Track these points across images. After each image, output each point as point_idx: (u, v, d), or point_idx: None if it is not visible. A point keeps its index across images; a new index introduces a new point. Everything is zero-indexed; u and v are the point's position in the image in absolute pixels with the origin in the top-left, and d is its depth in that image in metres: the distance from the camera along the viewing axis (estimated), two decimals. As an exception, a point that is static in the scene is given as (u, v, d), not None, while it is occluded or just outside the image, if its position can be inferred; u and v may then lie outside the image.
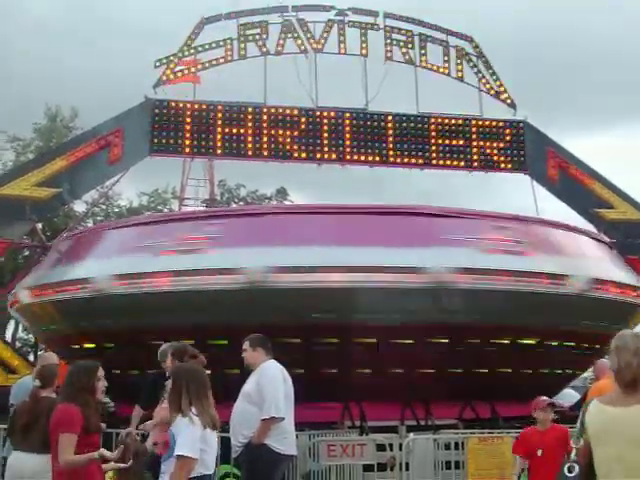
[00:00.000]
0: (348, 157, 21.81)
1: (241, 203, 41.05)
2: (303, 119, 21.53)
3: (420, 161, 22.27)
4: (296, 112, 21.58)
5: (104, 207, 37.47)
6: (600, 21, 63.45)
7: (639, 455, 4.00)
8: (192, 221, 17.10)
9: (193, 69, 21.57)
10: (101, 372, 6.48)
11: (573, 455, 4.30)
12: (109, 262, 15.81)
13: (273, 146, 21.32)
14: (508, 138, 22.75)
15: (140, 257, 15.37)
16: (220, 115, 21.13)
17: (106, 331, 15.77)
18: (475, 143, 22.49)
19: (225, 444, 8.77)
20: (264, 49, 21.51)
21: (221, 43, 21.63)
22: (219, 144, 21.12)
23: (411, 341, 14.81)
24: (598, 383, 11.44)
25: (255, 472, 8.16)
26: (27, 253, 29.02)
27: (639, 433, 4.01)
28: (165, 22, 57.84)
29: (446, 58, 22.74)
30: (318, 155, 21.64)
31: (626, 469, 4.00)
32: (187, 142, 21.00)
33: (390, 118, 22.08)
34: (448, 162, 22.47)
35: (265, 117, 21.31)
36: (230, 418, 8.34)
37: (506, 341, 15.68)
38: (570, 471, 4.26)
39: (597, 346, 17.11)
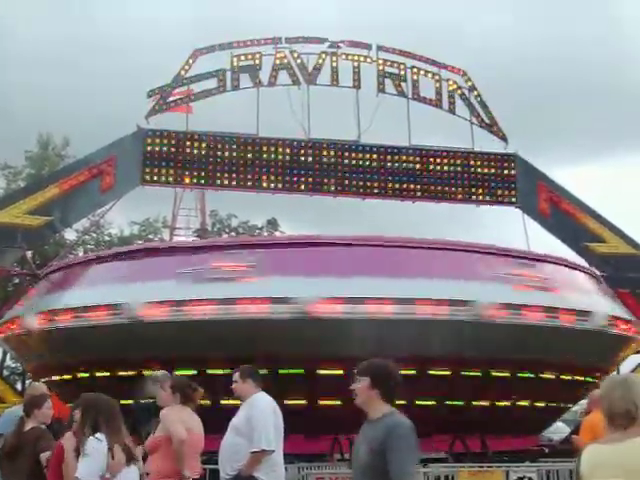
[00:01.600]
0: (340, 188, 21.85)
1: (232, 233, 41.02)
2: (295, 150, 21.58)
3: (412, 193, 22.31)
4: (288, 143, 21.63)
5: (95, 235, 37.43)
6: (589, 52, 64.13)
7: None
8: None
9: (186, 99, 21.62)
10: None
11: None
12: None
13: (265, 177, 21.35)
14: (499, 171, 22.82)
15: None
16: (212, 145, 21.16)
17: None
18: (466, 176, 22.56)
19: (213, 476, 8.71)
20: (257, 80, 21.59)
21: (214, 74, 21.71)
22: (211, 174, 21.13)
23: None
24: (590, 417, 11.38)
25: (244, 504, 8.09)
26: (17, 281, 28.93)
27: (629, 466, 3.99)
28: (158, 52, 58.09)
29: (438, 91, 22.85)
30: (310, 186, 21.67)
31: None
32: (179, 172, 21.01)
33: (382, 150, 22.15)
34: (439, 194, 22.51)
35: (257, 148, 21.36)
36: (219, 450, 8.29)
37: (498, 375, 15.61)
38: None
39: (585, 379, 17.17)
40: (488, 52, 58.30)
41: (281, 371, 14.44)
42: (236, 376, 8.33)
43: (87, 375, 15.88)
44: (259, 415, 8.02)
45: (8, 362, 35.30)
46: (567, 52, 62.26)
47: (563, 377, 16.62)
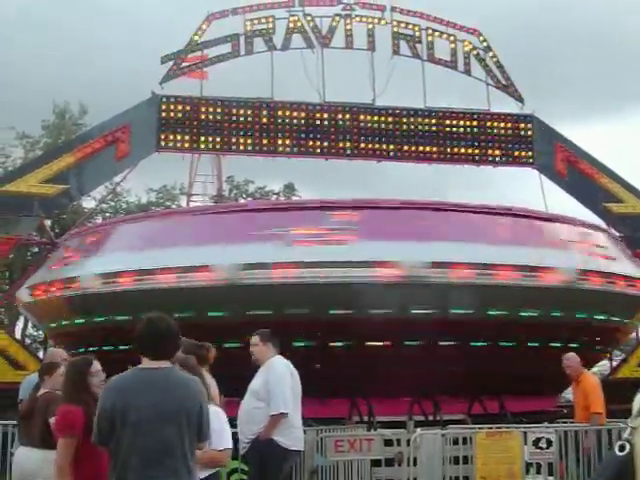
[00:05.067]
0: (356, 152, 21.78)
1: (249, 199, 41.10)
2: (311, 114, 21.49)
3: (428, 155, 22.21)
4: (303, 107, 21.54)
5: (112, 204, 37.63)
6: (600, 10, 63.46)
7: None
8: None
9: (200, 65, 21.53)
10: (95, 367, 6.42)
11: (627, 434, 4.07)
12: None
13: (280, 141, 21.30)
14: (516, 132, 22.67)
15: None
16: (227, 110, 21.10)
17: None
18: (483, 137, 22.43)
19: (232, 439, 8.77)
20: (271, 44, 21.45)
21: (228, 39, 21.59)
22: (226, 139, 21.10)
23: (419, 337, 14.78)
24: (580, 386, 11.33)
25: (263, 467, 8.19)
26: (36, 250, 29.11)
27: None
28: (173, 18, 57.79)
29: (453, 52, 22.65)
30: (325, 150, 21.61)
31: None
32: (194, 138, 20.98)
33: (398, 112, 22.03)
34: (456, 157, 22.41)
35: (272, 112, 21.28)
36: (238, 414, 8.37)
37: (519, 335, 15.58)
38: (622, 450, 4.02)
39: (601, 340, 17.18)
40: (494, 10, 57.62)
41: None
42: (256, 339, 8.42)
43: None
44: (276, 379, 8.13)
45: (30, 330, 35.66)
46: (578, 9, 61.60)
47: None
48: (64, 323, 17.21)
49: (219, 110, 21.10)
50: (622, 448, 3.94)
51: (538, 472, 10.87)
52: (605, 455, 3.80)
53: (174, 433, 4.76)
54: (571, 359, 11.46)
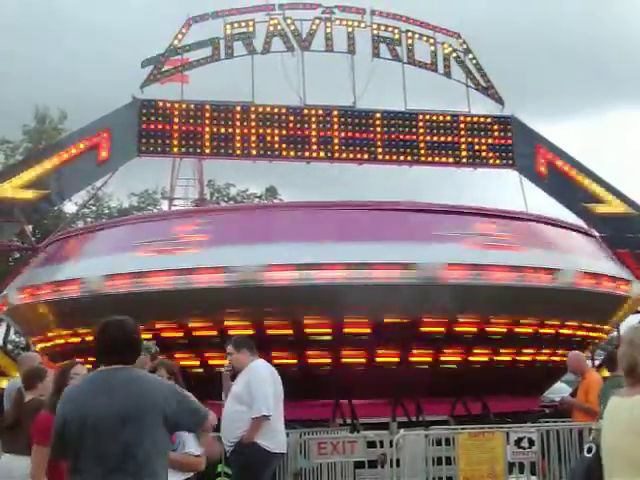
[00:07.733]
0: (337, 155, 21.82)
1: (231, 202, 41.17)
2: (291, 117, 21.53)
3: (409, 158, 22.27)
4: (284, 110, 21.57)
5: (94, 208, 37.54)
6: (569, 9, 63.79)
7: (623, 444, 3.98)
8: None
9: (180, 68, 21.52)
10: (77, 370, 6.34)
11: (592, 436, 4.40)
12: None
13: (261, 145, 21.32)
14: (496, 134, 22.77)
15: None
16: (208, 114, 21.10)
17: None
18: (463, 139, 22.50)
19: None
20: (251, 48, 21.48)
21: (208, 42, 21.60)
22: (207, 143, 21.10)
23: (402, 338, 14.81)
24: (586, 380, 11.43)
25: (246, 471, 8.19)
26: (18, 255, 28.99)
27: (623, 423, 4.01)
28: (152, 23, 57.71)
29: (433, 54, 22.74)
30: (307, 153, 21.65)
31: (615, 459, 3.99)
32: (175, 142, 20.98)
33: (378, 115, 22.09)
34: (437, 159, 22.47)
35: (253, 116, 21.31)
36: (221, 418, 8.38)
37: (497, 337, 15.64)
38: (589, 451, 4.34)
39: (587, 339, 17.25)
40: (466, 9, 57.81)
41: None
42: (230, 348, 8.45)
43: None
44: (257, 382, 8.13)
45: (12, 336, 35.47)
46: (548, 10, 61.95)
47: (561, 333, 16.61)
48: (48, 329, 17.15)
49: (200, 114, 21.11)
50: (589, 450, 4.19)
51: (521, 472, 10.91)
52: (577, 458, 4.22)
53: (129, 435, 4.35)
54: (571, 357, 11.65)
